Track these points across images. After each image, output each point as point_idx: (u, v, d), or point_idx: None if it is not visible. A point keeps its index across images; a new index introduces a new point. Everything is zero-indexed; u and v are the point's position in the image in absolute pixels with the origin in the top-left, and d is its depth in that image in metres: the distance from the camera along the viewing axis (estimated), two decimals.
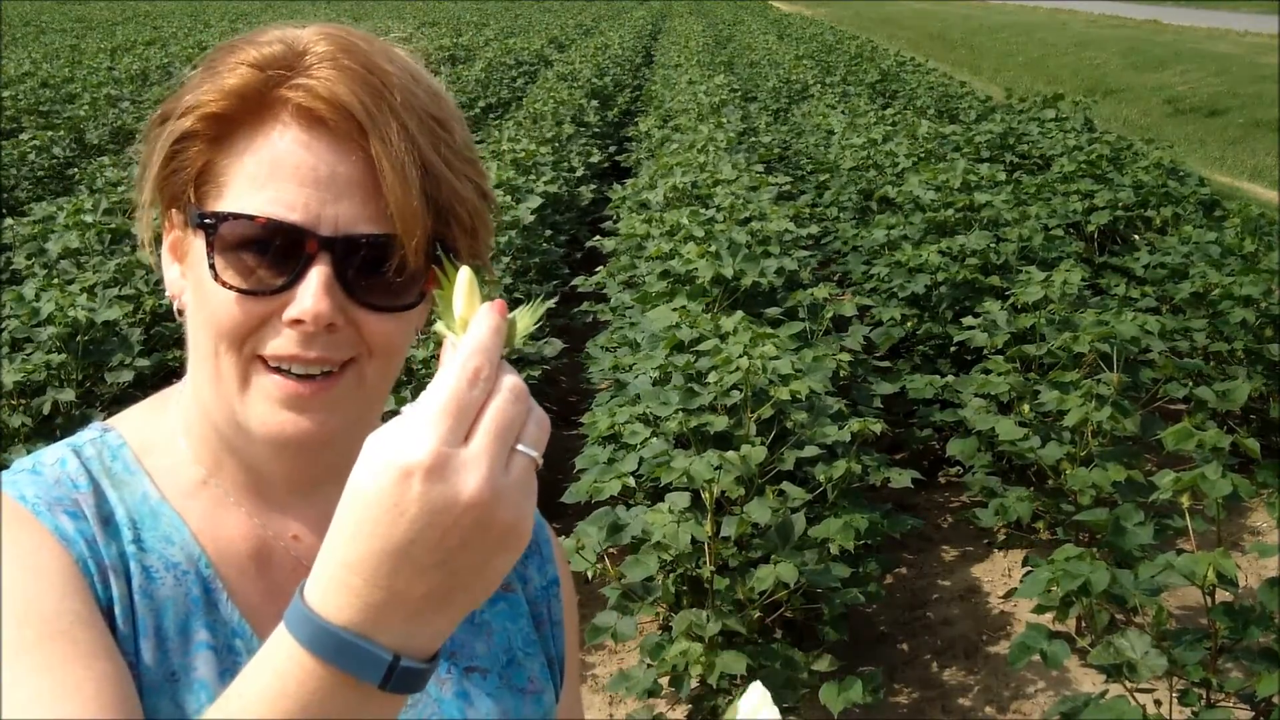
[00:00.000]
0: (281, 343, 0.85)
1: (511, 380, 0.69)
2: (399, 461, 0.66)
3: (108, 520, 0.88)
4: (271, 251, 0.84)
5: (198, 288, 0.88)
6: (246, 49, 0.87)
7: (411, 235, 0.83)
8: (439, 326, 0.74)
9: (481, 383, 0.68)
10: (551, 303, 0.77)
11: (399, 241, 0.84)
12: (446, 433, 0.66)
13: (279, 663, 0.69)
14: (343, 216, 0.84)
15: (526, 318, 0.74)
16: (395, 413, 0.69)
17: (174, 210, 0.90)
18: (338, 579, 0.68)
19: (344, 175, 0.84)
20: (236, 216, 0.84)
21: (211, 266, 0.85)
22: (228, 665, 0.88)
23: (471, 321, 0.71)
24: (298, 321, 0.84)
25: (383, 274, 0.85)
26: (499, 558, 0.69)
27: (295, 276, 0.84)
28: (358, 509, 0.67)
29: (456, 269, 0.75)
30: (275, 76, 0.85)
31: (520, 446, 0.69)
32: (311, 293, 0.83)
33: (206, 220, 0.85)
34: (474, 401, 0.67)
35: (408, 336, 0.90)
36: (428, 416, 0.67)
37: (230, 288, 0.84)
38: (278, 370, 0.85)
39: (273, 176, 0.84)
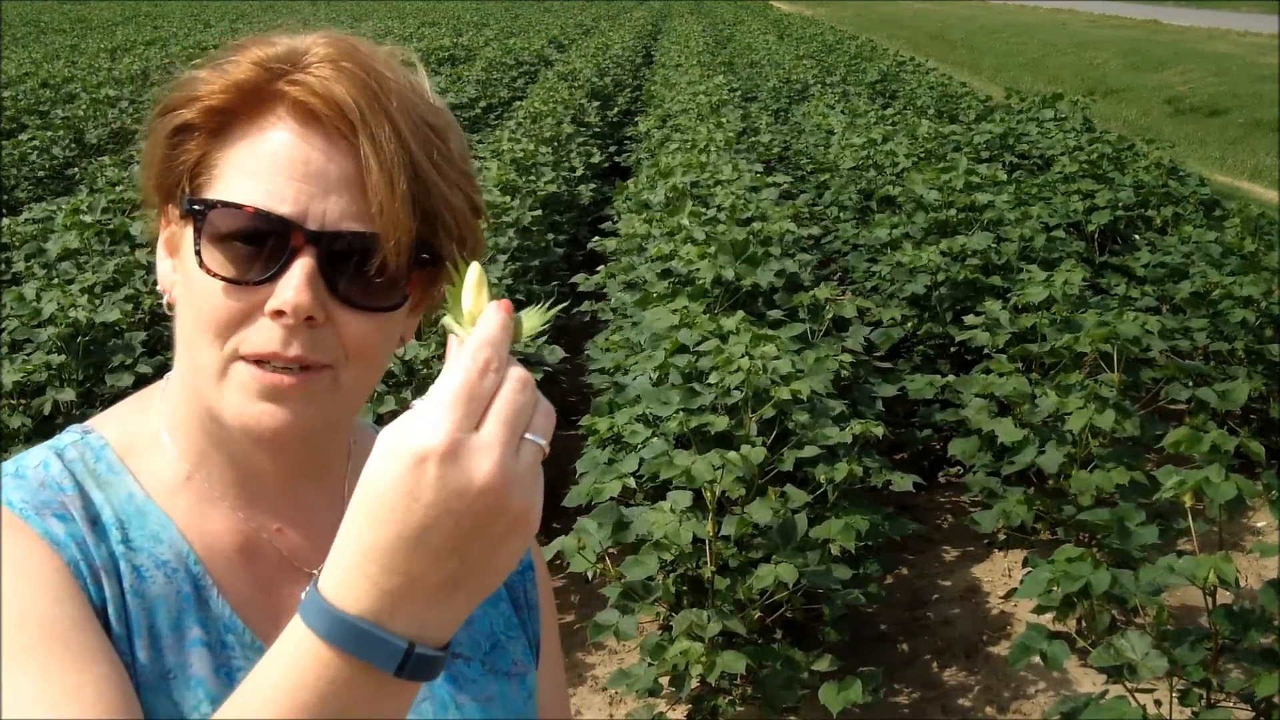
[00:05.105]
0: (262, 339, 0.85)
1: (518, 371, 0.71)
2: (414, 448, 0.67)
3: (95, 521, 0.88)
4: (258, 242, 0.85)
5: (186, 279, 0.88)
6: (251, 48, 0.89)
7: (394, 235, 0.84)
8: (446, 321, 0.75)
9: (492, 374, 0.69)
10: (559, 308, 0.77)
11: (383, 241, 0.84)
12: (461, 419, 0.68)
13: (295, 655, 0.70)
14: (331, 212, 0.85)
15: (534, 318, 0.75)
16: (397, 412, 0.69)
17: (169, 205, 0.91)
18: (354, 567, 0.69)
19: (335, 172, 0.85)
20: (225, 204, 0.85)
21: (198, 253, 0.86)
22: (221, 661, 0.88)
23: (480, 317, 0.72)
24: (278, 314, 0.84)
25: (366, 273, 0.86)
26: (509, 544, 0.70)
27: (280, 268, 0.84)
28: (373, 497, 0.68)
29: (467, 264, 0.76)
30: (275, 72, 0.86)
31: (529, 435, 0.70)
32: (294, 284, 0.83)
33: (196, 207, 0.86)
34: (485, 391, 0.69)
35: (387, 344, 0.91)
36: (441, 404, 0.68)
37: (214, 275, 0.85)
38: (256, 363, 0.86)
39: (264, 168, 0.85)
